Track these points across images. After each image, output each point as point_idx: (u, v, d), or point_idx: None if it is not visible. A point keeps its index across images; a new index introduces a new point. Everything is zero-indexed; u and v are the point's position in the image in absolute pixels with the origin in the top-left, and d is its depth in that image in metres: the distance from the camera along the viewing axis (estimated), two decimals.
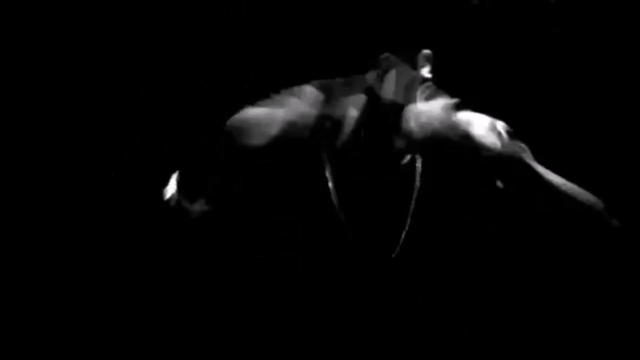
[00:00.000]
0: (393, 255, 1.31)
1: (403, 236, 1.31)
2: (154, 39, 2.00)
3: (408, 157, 1.34)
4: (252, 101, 1.46)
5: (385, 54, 1.34)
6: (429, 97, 1.36)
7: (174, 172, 1.36)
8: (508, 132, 1.32)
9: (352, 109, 1.29)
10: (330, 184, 1.33)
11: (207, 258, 1.25)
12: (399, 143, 1.29)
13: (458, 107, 1.32)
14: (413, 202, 1.32)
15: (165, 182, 1.29)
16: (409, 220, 1.32)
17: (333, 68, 1.24)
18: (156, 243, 1.31)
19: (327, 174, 1.34)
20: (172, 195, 1.31)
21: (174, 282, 1.63)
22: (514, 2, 1.91)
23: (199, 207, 1.29)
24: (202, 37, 2.00)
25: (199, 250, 1.25)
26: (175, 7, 2.00)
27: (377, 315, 1.33)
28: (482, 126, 1.30)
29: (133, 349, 1.86)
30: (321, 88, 1.34)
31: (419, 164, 1.34)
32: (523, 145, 1.34)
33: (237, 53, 1.99)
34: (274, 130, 1.32)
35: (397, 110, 1.29)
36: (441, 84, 1.94)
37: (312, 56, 1.25)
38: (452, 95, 1.86)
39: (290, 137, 1.33)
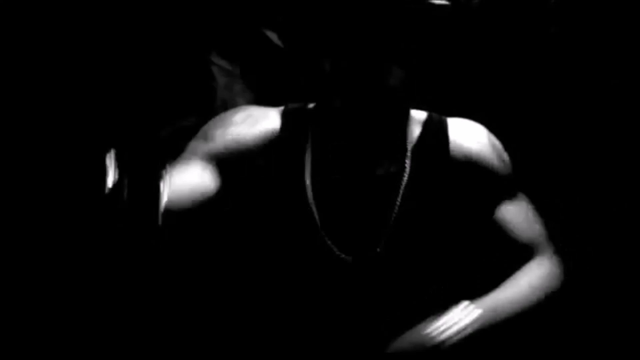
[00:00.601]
0: (372, 255, 1.31)
1: (386, 236, 1.31)
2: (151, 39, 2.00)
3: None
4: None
5: None
6: None
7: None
8: None
9: None
10: (307, 180, 1.33)
11: (183, 259, 1.23)
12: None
13: None
14: (399, 200, 1.32)
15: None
16: (393, 219, 1.31)
17: (324, 70, 1.24)
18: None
19: (306, 169, 1.33)
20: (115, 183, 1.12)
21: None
22: (514, 2, 1.91)
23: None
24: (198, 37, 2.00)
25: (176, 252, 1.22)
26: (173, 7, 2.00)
27: (355, 315, 1.33)
28: None
29: (123, 348, 1.86)
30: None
31: (407, 163, 1.33)
32: None
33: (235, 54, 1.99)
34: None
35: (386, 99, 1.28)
36: (441, 85, 1.95)
37: (307, 59, 1.25)
38: (451, 95, 1.87)
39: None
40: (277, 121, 1.36)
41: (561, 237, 1.45)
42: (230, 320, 1.37)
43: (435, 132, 1.37)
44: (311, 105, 1.39)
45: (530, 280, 1.32)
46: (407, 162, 1.34)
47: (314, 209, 1.31)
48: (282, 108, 1.39)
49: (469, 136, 1.37)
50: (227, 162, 1.31)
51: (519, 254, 1.34)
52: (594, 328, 1.95)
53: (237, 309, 1.36)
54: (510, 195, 1.38)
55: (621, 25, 1.95)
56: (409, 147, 1.35)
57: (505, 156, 1.40)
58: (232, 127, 1.34)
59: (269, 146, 1.34)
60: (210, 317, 1.38)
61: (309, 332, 1.32)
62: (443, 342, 1.20)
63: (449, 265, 1.36)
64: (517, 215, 1.37)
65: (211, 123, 1.37)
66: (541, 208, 1.46)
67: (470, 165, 1.35)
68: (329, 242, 1.30)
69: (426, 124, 1.37)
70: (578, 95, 2.00)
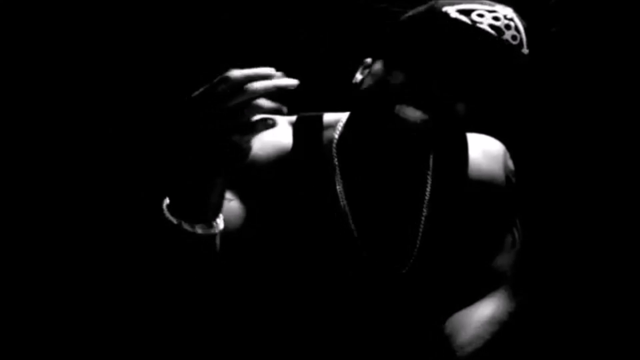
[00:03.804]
0: (404, 271, 1.31)
1: (416, 250, 1.30)
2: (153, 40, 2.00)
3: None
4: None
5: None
6: None
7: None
8: None
9: None
10: (339, 189, 1.31)
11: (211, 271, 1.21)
12: None
13: None
14: (424, 212, 1.31)
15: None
16: (420, 232, 1.31)
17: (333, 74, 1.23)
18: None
19: (337, 181, 1.31)
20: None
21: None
22: (514, 2, 1.91)
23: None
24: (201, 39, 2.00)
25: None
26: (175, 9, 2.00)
27: (387, 332, 1.32)
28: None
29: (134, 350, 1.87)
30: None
31: (429, 176, 1.33)
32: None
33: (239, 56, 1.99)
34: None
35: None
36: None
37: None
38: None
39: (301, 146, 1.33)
40: (291, 132, 1.32)
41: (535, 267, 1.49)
42: (256, 330, 1.36)
43: (456, 148, 1.36)
44: (329, 115, 1.37)
45: (493, 313, 1.33)
46: (429, 176, 1.33)
47: (350, 220, 1.29)
48: (294, 118, 1.35)
49: (487, 157, 1.37)
50: (244, 187, 1.26)
51: (488, 279, 1.35)
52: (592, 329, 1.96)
53: (265, 319, 1.35)
54: (506, 222, 1.38)
55: (621, 25, 1.95)
56: (431, 161, 1.34)
57: (515, 180, 1.40)
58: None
59: (284, 159, 1.30)
60: (236, 326, 1.37)
61: (333, 343, 1.32)
62: None
63: (470, 280, 1.36)
64: (504, 244, 1.37)
65: None
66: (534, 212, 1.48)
67: (484, 186, 1.35)
68: (365, 254, 1.30)
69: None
70: (578, 95, 2.00)
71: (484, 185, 1.34)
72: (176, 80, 1.99)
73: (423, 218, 1.30)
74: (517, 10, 1.19)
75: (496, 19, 1.15)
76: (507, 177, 1.37)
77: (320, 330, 1.31)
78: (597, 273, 1.98)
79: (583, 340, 1.95)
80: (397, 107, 1.16)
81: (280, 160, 1.30)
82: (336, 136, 1.32)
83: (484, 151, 1.37)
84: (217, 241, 1.09)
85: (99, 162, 2.00)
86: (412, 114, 1.15)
